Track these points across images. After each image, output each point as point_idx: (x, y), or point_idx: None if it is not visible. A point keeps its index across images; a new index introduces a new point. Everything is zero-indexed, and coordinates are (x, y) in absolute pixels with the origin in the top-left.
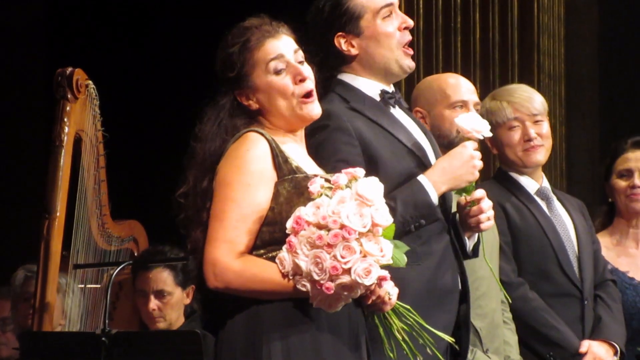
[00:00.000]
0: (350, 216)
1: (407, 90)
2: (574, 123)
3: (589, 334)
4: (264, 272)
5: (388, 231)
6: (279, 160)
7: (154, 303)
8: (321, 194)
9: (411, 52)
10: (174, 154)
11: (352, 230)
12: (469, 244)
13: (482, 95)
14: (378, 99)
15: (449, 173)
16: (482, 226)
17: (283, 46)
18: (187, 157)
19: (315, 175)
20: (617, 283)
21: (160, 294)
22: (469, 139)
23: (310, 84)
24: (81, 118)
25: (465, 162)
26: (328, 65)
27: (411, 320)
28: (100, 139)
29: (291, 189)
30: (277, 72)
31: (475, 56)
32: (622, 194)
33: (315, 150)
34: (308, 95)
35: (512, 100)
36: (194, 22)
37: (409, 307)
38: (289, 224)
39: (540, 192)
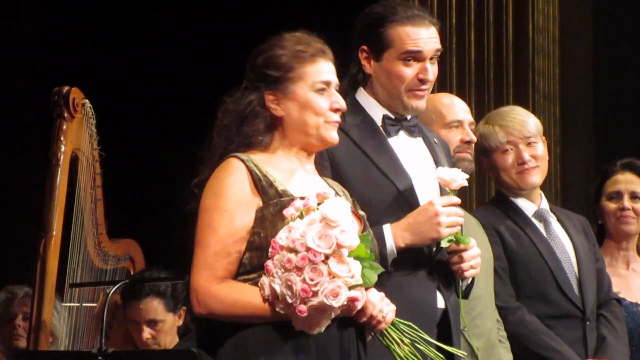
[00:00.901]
0: (315, 239)
1: None
2: (569, 143)
3: (591, 354)
4: (244, 297)
5: (358, 251)
6: (262, 184)
7: (147, 332)
8: (295, 218)
9: (423, 94)
10: (171, 173)
11: (317, 253)
12: (463, 284)
13: (477, 115)
14: (380, 123)
15: (412, 228)
16: (466, 274)
17: (331, 71)
18: (205, 147)
19: (303, 198)
20: None
21: (152, 323)
22: (452, 189)
23: (338, 118)
24: (78, 137)
25: (429, 219)
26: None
27: (414, 335)
28: (96, 158)
29: (276, 212)
30: (320, 92)
31: (470, 76)
32: (611, 216)
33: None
34: (336, 123)
35: (504, 124)
36: (192, 42)
37: (409, 323)
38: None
39: (538, 214)
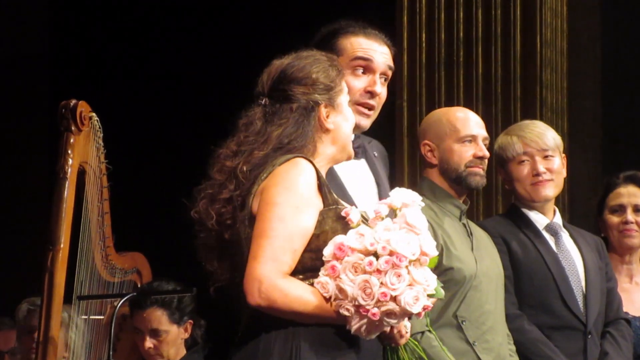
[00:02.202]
0: (400, 242)
1: (410, 120)
2: (577, 157)
3: None
4: (308, 294)
5: (432, 262)
6: (325, 190)
7: (149, 342)
8: (360, 223)
9: (370, 113)
10: (178, 186)
11: (403, 257)
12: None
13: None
14: None
15: None
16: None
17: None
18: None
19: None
20: None
21: (155, 333)
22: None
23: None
24: (85, 150)
25: None
26: None
27: (417, 356)
28: (103, 171)
29: (336, 218)
30: (350, 106)
31: (477, 90)
32: (614, 229)
33: None
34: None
35: (522, 135)
36: (199, 56)
37: (416, 342)
38: (329, 250)
39: (550, 228)
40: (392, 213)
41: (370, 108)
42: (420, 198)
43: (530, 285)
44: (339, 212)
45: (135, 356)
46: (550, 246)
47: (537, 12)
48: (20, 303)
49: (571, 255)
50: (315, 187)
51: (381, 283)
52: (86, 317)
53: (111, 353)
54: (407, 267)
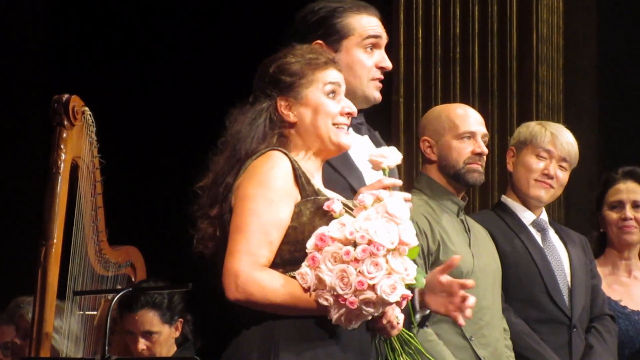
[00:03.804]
0: (379, 231)
1: (406, 116)
2: None
3: None
4: (285, 286)
5: (412, 252)
6: (302, 181)
7: (142, 344)
8: (343, 214)
9: (381, 85)
10: (171, 180)
11: (380, 246)
12: (418, 316)
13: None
14: None
15: None
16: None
17: (340, 78)
18: (212, 152)
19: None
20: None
21: (147, 335)
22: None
23: (349, 121)
24: (78, 145)
25: None
26: None
27: (413, 348)
28: (97, 165)
29: (314, 209)
30: (330, 97)
31: (474, 86)
32: (613, 225)
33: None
34: (344, 125)
35: (556, 135)
36: (193, 51)
37: (412, 334)
38: (311, 243)
39: (536, 224)
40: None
41: (381, 81)
42: (398, 155)
43: (517, 279)
44: (319, 203)
45: (130, 352)
46: (536, 241)
47: (533, 9)
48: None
49: (557, 250)
50: (292, 179)
51: (359, 272)
52: (81, 312)
53: (107, 347)
54: (385, 256)
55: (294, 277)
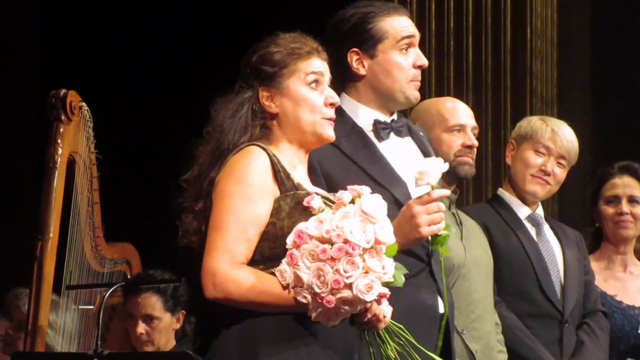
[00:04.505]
0: (354, 231)
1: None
2: None
3: (567, 356)
4: (264, 283)
5: (390, 250)
6: (281, 176)
7: (141, 327)
8: (322, 210)
9: (419, 84)
10: (168, 177)
11: (356, 246)
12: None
13: (475, 120)
14: (370, 128)
15: (397, 232)
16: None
17: (324, 68)
18: (198, 144)
19: (316, 194)
20: (606, 306)
21: (148, 319)
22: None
23: (334, 112)
24: (75, 140)
25: (408, 221)
26: (334, 76)
27: (403, 340)
28: (93, 161)
29: (293, 204)
30: (312, 88)
31: (468, 80)
32: (609, 220)
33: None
34: (330, 119)
35: (557, 131)
36: (190, 46)
37: (401, 326)
38: (290, 238)
39: (532, 218)
40: None
41: (419, 82)
42: (444, 165)
43: (510, 273)
44: (298, 198)
45: (125, 348)
46: (530, 235)
47: (527, 2)
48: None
49: (551, 246)
50: (270, 175)
51: (335, 270)
52: (75, 306)
53: (99, 342)
54: (361, 255)
55: (274, 274)
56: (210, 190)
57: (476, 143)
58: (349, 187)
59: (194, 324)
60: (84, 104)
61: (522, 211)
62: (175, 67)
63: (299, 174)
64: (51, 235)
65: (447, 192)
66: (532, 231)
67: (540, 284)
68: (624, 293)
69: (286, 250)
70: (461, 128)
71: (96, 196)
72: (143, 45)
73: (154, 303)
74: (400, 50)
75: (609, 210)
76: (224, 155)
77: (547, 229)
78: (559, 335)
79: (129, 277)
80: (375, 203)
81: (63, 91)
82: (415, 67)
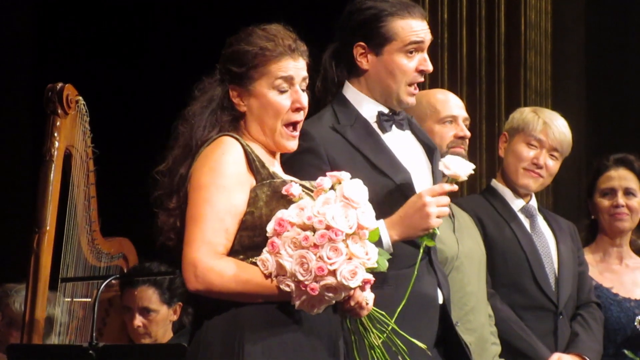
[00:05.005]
0: (336, 217)
1: None
2: None
3: (562, 348)
4: (246, 273)
5: (372, 235)
6: (256, 165)
7: (138, 320)
8: (302, 197)
9: (416, 92)
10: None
11: (338, 231)
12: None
13: (468, 111)
14: (374, 120)
15: (403, 221)
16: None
17: (296, 70)
18: (171, 137)
19: (293, 182)
20: (602, 299)
21: (145, 311)
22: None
23: (302, 116)
24: (71, 134)
25: (418, 211)
26: (339, 65)
27: (385, 326)
28: (90, 155)
29: (270, 193)
30: (281, 91)
31: (462, 72)
32: (605, 212)
33: (283, 167)
34: (295, 126)
35: (549, 123)
36: (185, 39)
37: (384, 312)
38: (270, 226)
39: (525, 210)
40: None
41: (417, 88)
42: (472, 166)
43: (504, 265)
44: (275, 186)
45: (122, 341)
46: (524, 227)
47: None
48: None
49: (545, 237)
50: (244, 164)
51: (319, 257)
52: (69, 299)
53: (94, 334)
54: (344, 241)
55: (255, 263)
56: (181, 187)
57: (468, 134)
58: (328, 173)
59: (192, 316)
60: (80, 98)
61: (516, 203)
62: (173, 61)
63: (275, 166)
64: (48, 228)
65: (455, 187)
66: (526, 223)
67: (535, 276)
68: (619, 285)
69: (266, 238)
70: (453, 119)
71: (92, 190)
72: (140, 40)
73: (150, 296)
74: (406, 54)
75: (605, 202)
76: (194, 152)
77: (540, 220)
78: (553, 328)
79: (125, 271)
80: (356, 188)
81: (60, 85)
82: (417, 70)
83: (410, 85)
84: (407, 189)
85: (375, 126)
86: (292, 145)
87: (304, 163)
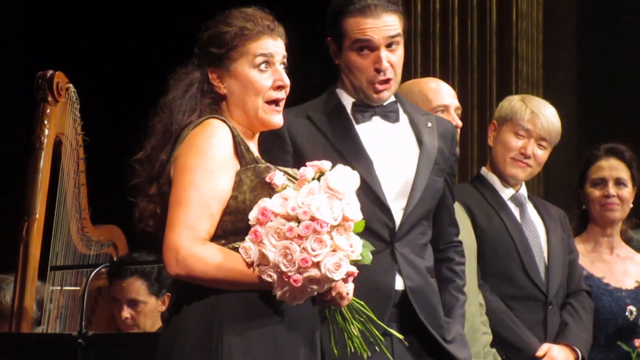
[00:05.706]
0: (321, 208)
1: None
2: None
3: (552, 338)
4: (228, 261)
5: (357, 227)
6: (241, 149)
7: (127, 312)
8: (285, 187)
9: (382, 88)
10: None
11: (323, 223)
12: None
13: (460, 101)
14: (350, 108)
15: None
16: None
17: (276, 48)
18: (150, 123)
19: (276, 168)
20: (593, 289)
21: (133, 303)
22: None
23: (284, 94)
24: (61, 121)
25: None
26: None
27: (364, 316)
28: (80, 143)
29: (254, 177)
30: (261, 70)
31: (453, 61)
32: (596, 202)
33: None
34: (277, 103)
35: (536, 113)
36: (175, 26)
37: (363, 302)
38: (253, 214)
39: (515, 198)
40: None
41: (386, 82)
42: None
43: (493, 255)
44: (259, 171)
45: (111, 329)
46: (514, 216)
47: None
48: None
49: (535, 226)
50: (231, 148)
51: (303, 249)
52: (58, 287)
53: (84, 323)
54: (329, 232)
55: (237, 249)
56: (161, 173)
57: (460, 123)
58: (308, 163)
59: (170, 299)
60: (70, 85)
61: (505, 192)
62: (164, 49)
63: (255, 149)
64: (37, 215)
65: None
66: (516, 212)
67: (524, 266)
68: (610, 275)
69: (248, 224)
70: (445, 108)
71: (82, 178)
72: (131, 27)
73: (138, 287)
74: (358, 52)
75: (596, 192)
76: (174, 137)
77: (530, 208)
78: (542, 317)
79: (115, 259)
80: (341, 179)
81: (50, 72)
82: (374, 69)
83: (371, 84)
84: (368, 177)
85: (350, 116)
86: (277, 119)
87: (268, 144)
